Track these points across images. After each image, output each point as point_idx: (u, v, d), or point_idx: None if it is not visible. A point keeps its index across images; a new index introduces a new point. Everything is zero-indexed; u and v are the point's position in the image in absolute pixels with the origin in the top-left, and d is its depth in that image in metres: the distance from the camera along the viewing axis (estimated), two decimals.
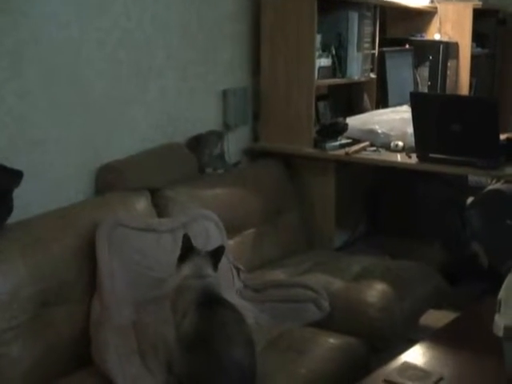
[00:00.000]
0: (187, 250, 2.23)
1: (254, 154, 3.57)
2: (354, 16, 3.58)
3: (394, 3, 3.95)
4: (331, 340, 2.44)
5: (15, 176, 2.33)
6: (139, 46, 2.90)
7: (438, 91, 4.09)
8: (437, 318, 3.10)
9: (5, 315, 2.13)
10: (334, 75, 3.56)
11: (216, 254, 2.27)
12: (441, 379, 1.89)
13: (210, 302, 2.10)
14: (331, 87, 3.86)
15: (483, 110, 2.97)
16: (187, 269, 2.20)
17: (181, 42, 3.11)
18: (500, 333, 1.82)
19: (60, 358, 2.26)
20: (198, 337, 2.03)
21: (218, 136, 3.25)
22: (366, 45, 3.72)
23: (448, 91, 4.12)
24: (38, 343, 2.20)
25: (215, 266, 2.24)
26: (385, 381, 1.90)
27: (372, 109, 3.84)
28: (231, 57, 3.40)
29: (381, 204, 4.28)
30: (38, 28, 2.48)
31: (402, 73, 4.02)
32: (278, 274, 2.95)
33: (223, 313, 2.08)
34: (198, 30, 3.19)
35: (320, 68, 3.40)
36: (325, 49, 3.53)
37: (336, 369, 2.31)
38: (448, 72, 4.10)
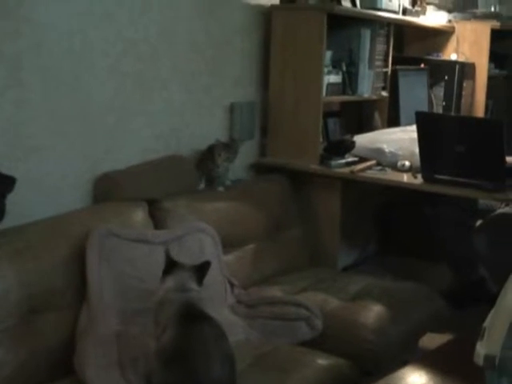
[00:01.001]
0: (171, 263, 2.22)
1: (260, 169, 3.55)
2: (366, 33, 3.55)
3: (408, 22, 3.91)
4: (319, 360, 2.40)
5: (8, 181, 2.34)
6: (144, 58, 2.90)
7: (453, 112, 4.04)
8: (438, 341, 3.05)
9: None
10: (343, 92, 3.54)
11: (201, 269, 2.24)
12: None
13: (191, 317, 2.08)
14: (343, 104, 3.84)
15: (488, 131, 2.92)
16: (170, 282, 2.18)
17: (187, 54, 3.11)
18: (480, 362, 1.76)
19: (45, 364, 2.25)
20: (176, 351, 2.00)
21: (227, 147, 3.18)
22: (379, 63, 3.69)
23: (463, 112, 4.06)
24: (22, 348, 2.20)
25: (200, 281, 2.22)
26: None
27: (383, 127, 3.80)
28: (239, 70, 3.40)
29: (391, 224, 4.24)
30: (41, 36, 2.49)
31: (416, 92, 3.98)
32: (275, 291, 2.92)
33: (203, 328, 2.05)
34: (206, 43, 3.19)
35: (329, 84, 3.39)
36: (335, 65, 3.51)
37: None
38: (463, 93, 4.04)
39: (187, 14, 3.07)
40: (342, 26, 3.52)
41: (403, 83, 3.83)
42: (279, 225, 3.29)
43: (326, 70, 3.36)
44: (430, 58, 4.15)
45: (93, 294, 2.35)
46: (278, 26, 3.37)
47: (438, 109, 4.09)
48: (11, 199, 2.40)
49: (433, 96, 4.09)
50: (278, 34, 3.38)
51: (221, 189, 3.14)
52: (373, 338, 2.61)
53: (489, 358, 1.74)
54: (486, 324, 1.86)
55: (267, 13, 3.41)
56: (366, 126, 3.77)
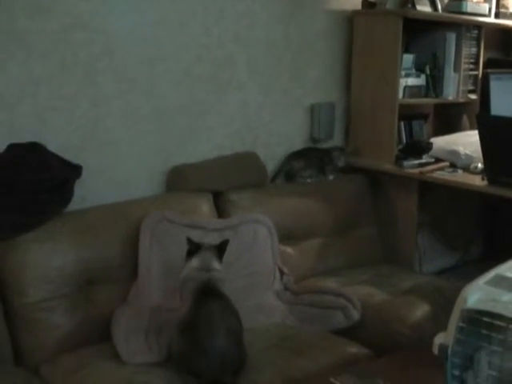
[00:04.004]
0: (195, 246, 2.47)
1: (343, 169, 3.69)
2: (451, 36, 3.58)
3: (500, 25, 3.86)
4: (339, 347, 2.53)
5: (75, 169, 2.72)
6: (218, 62, 3.17)
7: None
8: None
9: (49, 286, 2.51)
10: (426, 95, 3.60)
11: (221, 248, 2.49)
12: None
13: (205, 294, 2.32)
14: (435, 107, 3.88)
15: None
16: (195, 262, 2.44)
17: (265, 58, 3.34)
18: (435, 351, 1.85)
19: (98, 329, 2.57)
20: (188, 323, 2.26)
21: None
22: (467, 66, 3.69)
23: None
24: (77, 313, 2.55)
25: (220, 258, 2.46)
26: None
27: (472, 130, 3.78)
28: (320, 73, 3.57)
29: (496, 227, 4.18)
30: (113, 43, 2.83)
31: None
32: (330, 282, 3.07)
33: (212, 304, 2.28)
34: (285, 48, 3.41)
35: (406, 87, 3.46)
36: (419, 68, 3.58)
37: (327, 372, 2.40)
38: None
39: (264, 21, 3.30)
40: (427, 30, 3.58)
41: (496, 86, 3.76)
42: (351, 222, 3.42)
43: (404, 72, 3.45)
44: None
45: (142, 271, 2.66)
46: (359, 30, 3.52)
47: None
48: (87, 187, 2.80)
49: None
50: (359, 38, 3.52)
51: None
52: (408, 333, 2.69)
53: (442, 348, 1.83)
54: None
55: (349, 17, 3.56)
56: (454, 129, 3.77)
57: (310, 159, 3.47)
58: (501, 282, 1.82)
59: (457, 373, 1.79)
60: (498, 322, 1.67)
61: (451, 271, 4.08)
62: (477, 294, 1.77)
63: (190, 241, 2.48)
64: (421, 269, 3.76)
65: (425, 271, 3.78)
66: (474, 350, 1.77)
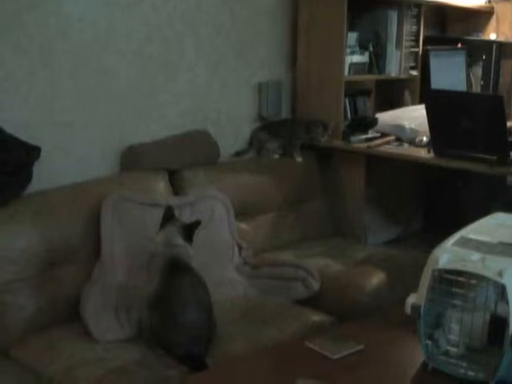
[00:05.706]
0: (167, 219, 2.51)
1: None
2: (393, 15, 3.69)
3: (438, 3, 4.01)
4: (302, 315, 2.62)
5: (34, 150, 2.70)
6: (168, 41, 3.19)
7: (491, 90, 4.11)
8: None
9: (13, 268, 2.51)
10: (370, 72, 3.70)
11: (190, 227, 2.52)
12: (359, 348, 2.06)
13: (174, 269, 2.36)
14: (377, 83, 3.99)
15: (490, 106, 3.01)
16: (160, 237, 2.47)
17: (212, 38, 3.37)
18: (408, 311, 1.95)
19: (63, 310, 2.59)
20: (159, 298, 2.30)
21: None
22: (408, 43, 3.81)
23: (501, 91, 4.11)
24: (42, 295, 2.55)
25: (188, 238, 2.49)
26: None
27: (413, 105, 3.92)
28: (267, 52, 3.63)
29: (438, 200, 4.33)
30: (67, 25, 2.83)
31: (453, 71, 4.06)
32: (287, 255, 3.16)
33: (182, 278, 2.34)
34: (231, 27, 3.44)
35: (352, 64, 3.56)
36: (363, 46, 3.68)
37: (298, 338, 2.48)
38: (501, 71, 4.10)
39: (211, 0, 3.33)
40: (369, 8, 3.67)
41: (435, 63, 3.92)
42: (302, 197, 3.51)
43: (349, 50, 3.54)
44: (469, 37, 4.22)
45: (104, 249, 2.67)
46: (303, 8, 3.58)
47: (477, 87, 4.16)
48: (44, 167, 2.77)
49: (472, 75, 4.16)
50: (304, 17, 3.58)
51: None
52: (367, 300, 2.80)
53: (415, 307, 1.93)
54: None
55: None
56: (396, 104, 3.89)
57: (277, 132, 3.54)
58: (467, 243, 1.93)
59: (429, 330, 1.90)
60: (470, 281, 1.78)
61: (394, 244, 4.21)
62: (447, 254, 1.87)
63: (168, 209, 2.52)
64: (366, 242, 3.87)
65: (369, 244, 3.90)
66: (444, 308, 1.88)
